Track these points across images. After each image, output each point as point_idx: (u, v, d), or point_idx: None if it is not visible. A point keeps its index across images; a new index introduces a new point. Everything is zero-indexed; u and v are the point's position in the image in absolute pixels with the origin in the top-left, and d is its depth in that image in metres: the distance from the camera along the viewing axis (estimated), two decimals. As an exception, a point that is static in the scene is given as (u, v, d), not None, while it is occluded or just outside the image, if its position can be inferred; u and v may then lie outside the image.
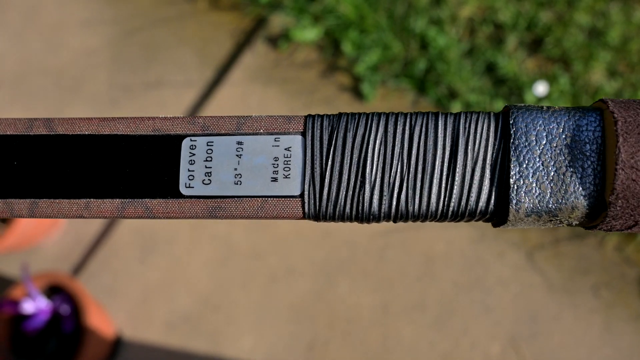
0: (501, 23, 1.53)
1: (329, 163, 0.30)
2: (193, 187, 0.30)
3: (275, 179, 0.30)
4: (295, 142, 0.30)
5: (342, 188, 0.30)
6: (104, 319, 1.37)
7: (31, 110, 1.68)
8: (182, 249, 1.48)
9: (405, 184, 0.29)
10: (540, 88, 1.43)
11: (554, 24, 1.51)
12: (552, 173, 0.28)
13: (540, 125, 0.29)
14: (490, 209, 0.29)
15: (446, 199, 0.29)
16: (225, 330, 1.42)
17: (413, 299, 1.39)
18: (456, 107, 1.46)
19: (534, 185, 0.28)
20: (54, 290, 1.36)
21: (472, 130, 0.29)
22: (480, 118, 0.30)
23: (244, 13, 1.68)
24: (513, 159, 0.29)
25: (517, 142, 0.29)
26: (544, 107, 0.30)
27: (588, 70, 1.45)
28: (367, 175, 0.29)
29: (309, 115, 0.31)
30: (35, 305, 1.29)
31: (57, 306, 1.32)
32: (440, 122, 0.30)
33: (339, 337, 1.38)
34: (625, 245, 1.36)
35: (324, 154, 0.30)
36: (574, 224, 0.30)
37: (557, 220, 0.30)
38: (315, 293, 1.42)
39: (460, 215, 0.30)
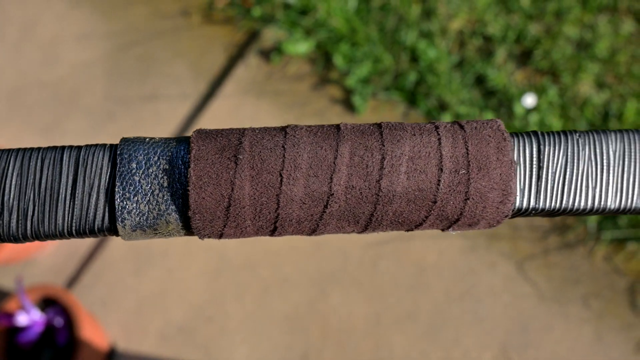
0: (490, 36, 1.55)
1: None
2: None
3: None
4: None
5: None
6: (97, 331, 1.38)
7: (28, 123, 1.70)
8: (176, 261, 1.50)
9: (37, 209, 0.34)
10: (529, 100, 1.44)
11: (543, 37, 1.52)
12: (149, 195, 0.33)
13: (140, 155, 0.34)
14: (106, 226, 0.34)
15: (69, 220, 0.34)
16: (218, 342, 1.43)
17: (405, 309, 1.40)
18: (446, 119, 1.47)
19: (134, 205, 0.33)
20: (48, 303, 1.37)
21: (89, 161, 0.34)
22: (97, 150, 0.35)
23: (237, 27, 1.70)
24: (118, 184, 0.33)
25: (122, 169, 0.33)
26: (147, 139, 0.35)
27: (576, 82, 1.47)
28: (5, 203, 0.34)
29: None
30: (29, 317, 1.30)
31: (51, 318, 1.33)
32: (65, 155, 0.35)
33: (332, 348, 1.39)
34: (614, 255, 1.37)
35: None
36: (177, 235, 0.34)
37: (160, 233, 0.34)
38: (308, 304, 1.43)
39: (83, 233, 0.34)
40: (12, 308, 1.33)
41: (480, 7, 1.55)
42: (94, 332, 1.36)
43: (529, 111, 1.45)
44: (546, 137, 0.34)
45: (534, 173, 0.34)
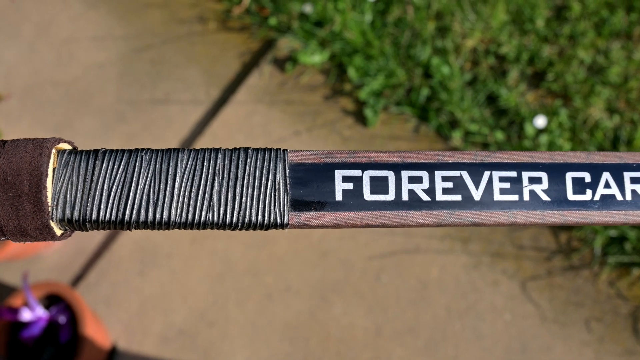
0: (504, 55, 1.56)
1: None
2: None
3: None
4: None
5: None
6: (100, 330, 1.39)
7: (40, 121, 1.71)
8: (181, 263, 1.50)
9: None
10: (540, 121, 1.45)
11: (556, 59, 1.54)
12: None
13: None
14: None
15: None
16: (219, 346, 1.43)
17: (406, 323, 1.40)
18: (457, 136, 1.48)
19: None
20: (53, 300, 1.38)
21: None
22: None
23: (253, 35, 1.72)
24: None
25: None
26: None
27: (588, 105, 1.48)
28: None
29: None
30: (33, 313, 1.31)
31: (55, 315, 1.34)
32: None
33: (331, 357, 1.40)
34: (618, 280, 1.37)
35: None
36: None
37: None
38: (309, 313, 1.43)
39: None
40: (16, 303, 1.34)
41: (495, 27, 1.57)
42: (97, 330, 1.36)
43: (539, 132, 1.46)
44: (106, 154, 0.36)
45: (87, 187, 0.35)
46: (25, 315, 1.31)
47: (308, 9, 1.63)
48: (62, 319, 1.34)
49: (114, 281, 1.51)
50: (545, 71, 1.54)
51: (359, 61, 1.56)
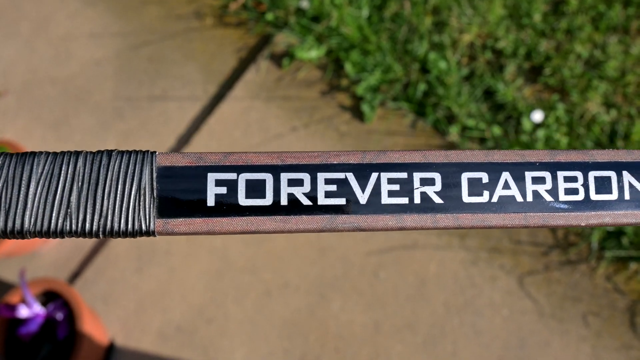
0: (501, 50, 1.56)
1: None
2: None
3: None
4: None
5: None
6: (98, 327, 1.39)
7: (37, 119, 1.71)
8: (178, 260, 1.50)
9: None
10: (537, 115, 1.45)
11: (553, 54, 1.53)
12: None
13: None
14: None
15: None
16: (217, 343, 1.43)
17: (404, 319, 1.40)
18: (454, 131, 1.48)
19: None
20: (50, 297, 1.38)
21: None
22: None
23: (250, 30, 1.72)
24: None
25: None
26: None
27: (585, 100, 1.47)
28: None
29: None
30: (30, 310, 1.31)
31: (53, 312, 1.34)
32: None
33: (330, 354, 1.40)
34: (615, 275, 1.37)
35: None
36: None
37: None
38: (308, 309, 1.43)
39: None
40: (14, 300, 1.34)
41: (492, 22, 1.56)
42: (95, 327, 1.36)
43: (536, 127, 1.46)
44: None
45: None
46: (23, 312, 1.31)
47: (305, 4, 1.63)
48: (59, 316, 1.34)
49: (112, 278, 1.51)
50: (542, 66, 1.54)
51: (356, 56, 1.56)
